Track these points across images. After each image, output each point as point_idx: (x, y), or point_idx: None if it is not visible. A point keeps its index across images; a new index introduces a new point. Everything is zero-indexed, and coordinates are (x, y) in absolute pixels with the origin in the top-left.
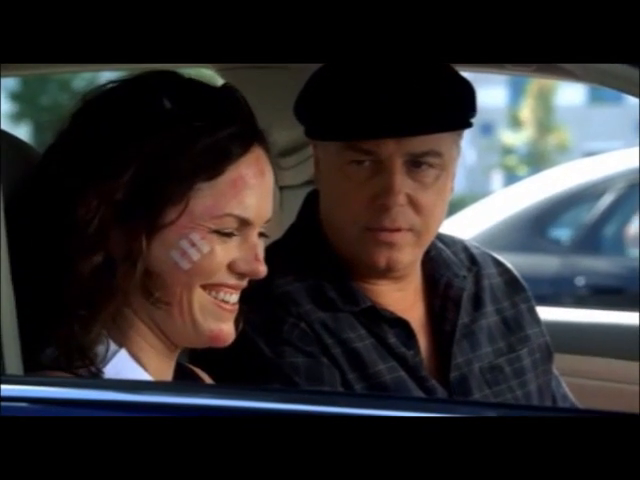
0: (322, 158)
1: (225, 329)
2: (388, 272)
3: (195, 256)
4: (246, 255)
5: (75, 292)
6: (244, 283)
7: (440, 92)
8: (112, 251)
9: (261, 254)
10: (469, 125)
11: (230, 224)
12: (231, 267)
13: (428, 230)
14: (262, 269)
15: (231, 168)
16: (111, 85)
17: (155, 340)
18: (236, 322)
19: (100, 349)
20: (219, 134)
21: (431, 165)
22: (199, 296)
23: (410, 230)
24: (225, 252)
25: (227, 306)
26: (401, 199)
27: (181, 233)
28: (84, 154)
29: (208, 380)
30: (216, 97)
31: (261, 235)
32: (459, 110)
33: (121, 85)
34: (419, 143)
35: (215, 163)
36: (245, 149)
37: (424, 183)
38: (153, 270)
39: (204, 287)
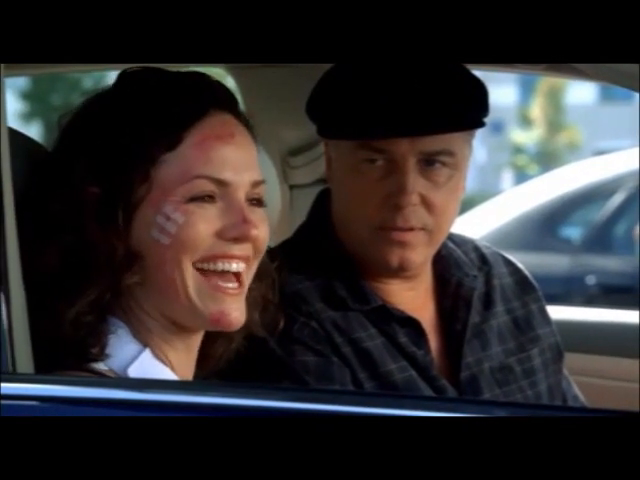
0: (334, 157)
1: (227, 311)
2: (400, 271)
3: (172, 229)
4: (233, 219)
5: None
6: (246, 251)
7: (453, 91)
8: (91, 237)
9: (251, 217)
10: (482, 124)
11: (203, 187)
12: (220, 234)
13: (440, 229)
14: (253, 232)
15: (191, 133)
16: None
17: (168, 334)
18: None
19: (117, 348)
20: (167, 106)
21: (444, 164)
22: (193, 276)
23: (423, 229)
24: (207, 220)
25: (228, 288)
26: (414, 198)
27: (155, 209)
28: (67, 147)
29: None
30: (164, 78)
31: (256, 202)
32: (472, 109)
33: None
34: (432, 142)
35: (170, 132)
36: (201, 114)
37: (437, 182)
38: (139, 253)
39: (199, 266)
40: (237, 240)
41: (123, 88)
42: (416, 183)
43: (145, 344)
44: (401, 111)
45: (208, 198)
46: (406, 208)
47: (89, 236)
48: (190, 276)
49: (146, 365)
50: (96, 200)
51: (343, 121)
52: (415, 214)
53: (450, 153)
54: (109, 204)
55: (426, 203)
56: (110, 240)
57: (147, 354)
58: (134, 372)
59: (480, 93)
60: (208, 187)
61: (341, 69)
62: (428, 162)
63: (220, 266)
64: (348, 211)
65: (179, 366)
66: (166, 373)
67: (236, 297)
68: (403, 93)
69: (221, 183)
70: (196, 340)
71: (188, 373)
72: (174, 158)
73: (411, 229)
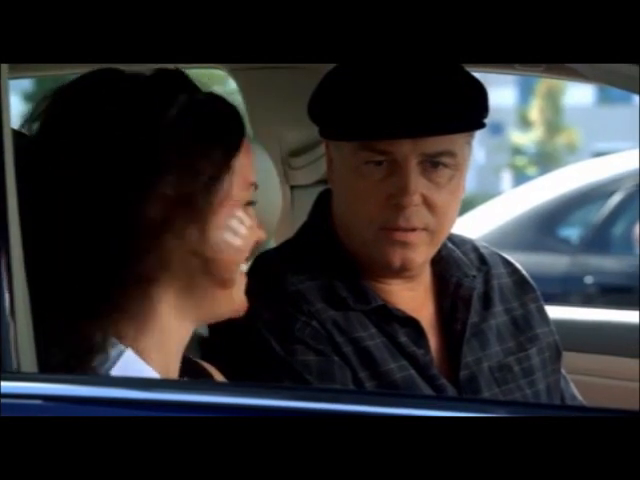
0: (336, 158)
1: (244, 298)
2: (402, 271)
3: (244, 231)
4: (255, 223)
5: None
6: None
7: (455, 93)
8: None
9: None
10: (483, 125)
11: (252, 193)
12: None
13: (442, 230)
14: (264, 235)
15: (244, 141)
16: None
17: (164, 335)
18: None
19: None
20: (236, 114)
21: (445, 165)
22: (240, 274)
23: (424, 229)
24: (252, 223)
25: (243, 276)
26: (416, 199)
27: (229, 213)
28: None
29: (218, 376)
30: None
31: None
32: (473, 110)
33: (134, 83)
34: (434, 143)
35: (237, 139)
36: (243, 121)
37: (438, 183)
38: (210, 255)
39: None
40: (256, 244)
41: (213, 99)
42: (418, 184)
43: (127, 345)
44: (404, 112)
45: (251, 203)
46: (408, 208)
47: (164, 239)
48: (239, 272)
49: (129, 365)
50: (174, 205)
51: (345, 122)
52: (417, 214)
53: (451, 154)
54: (189, 208)
55: (428, 203)
56: (189, 244)
57: (130, 354)
58: (117, 372)
59: (480, 94)
60: (253, 193)
61: (343, 70)
62: (430, 163)
63: (243, 267)
64: (349, 211)
65: (163, 366)
66: (150, 373)
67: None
68: (405, 94)
69: (255, 189)
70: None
71: (172, 372)
72: (237, 165)
73: (413, 229)
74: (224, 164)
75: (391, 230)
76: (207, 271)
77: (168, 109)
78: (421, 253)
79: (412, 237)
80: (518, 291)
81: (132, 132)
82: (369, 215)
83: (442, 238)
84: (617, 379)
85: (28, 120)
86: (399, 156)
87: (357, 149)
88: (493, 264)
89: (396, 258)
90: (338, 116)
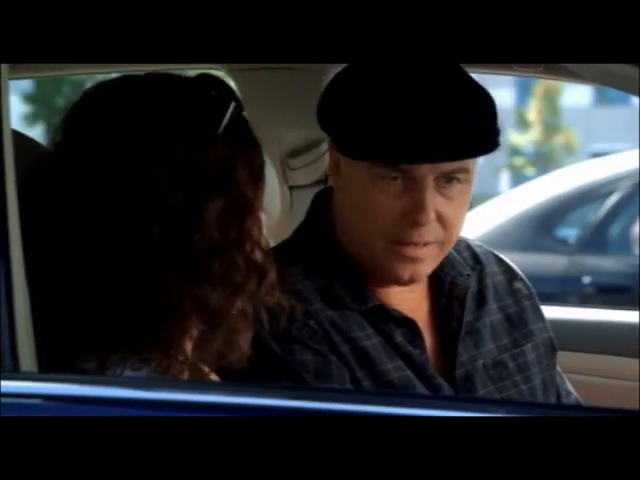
0: (346, 168)
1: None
2: (409, 284)
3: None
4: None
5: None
6: None
7: (477, 116)
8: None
9: None
10: (499, 145)
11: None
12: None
13: (450, 241)
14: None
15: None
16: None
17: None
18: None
19: None
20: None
21: (459, 181)
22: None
23: (435, 243)
24: None
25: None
26: (432, 215)
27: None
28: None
29: (212, 375)
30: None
31: None
32: (492, 132)
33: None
34: (452, 163)
35: (261, 158)
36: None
37: (451, 198)
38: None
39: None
40: None
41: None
42: (434, 201)
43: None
44: (428, 138)
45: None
46: (424, 226)
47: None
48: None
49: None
50: (220, 211)
51: (366, 143)
52: (430, 230)
53: (466, 170)
54: (234, 215)
55: (440, 218)
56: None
57: None
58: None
59: (495, 114)
60: None
61: (364, 91)
62: (445, 179)
63: None
64: (358, 221)
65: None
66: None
67: None
68: (429, 119)
69: None
70: None
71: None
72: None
73: (425, 244)
74: (257, 186)
75: (403, 245)
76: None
77: (219, 123)
78: (429, 265)
79: (423, 252)
80: (511, 289)
81: (182, 145)
82: (380, 229)
83: (449, 248)
84: (615, 378)
85: (54, 131)
86: (417, 175)
87: (374, 165)
88: (487, 263)
89: (405, 272)
90: (357, 135)
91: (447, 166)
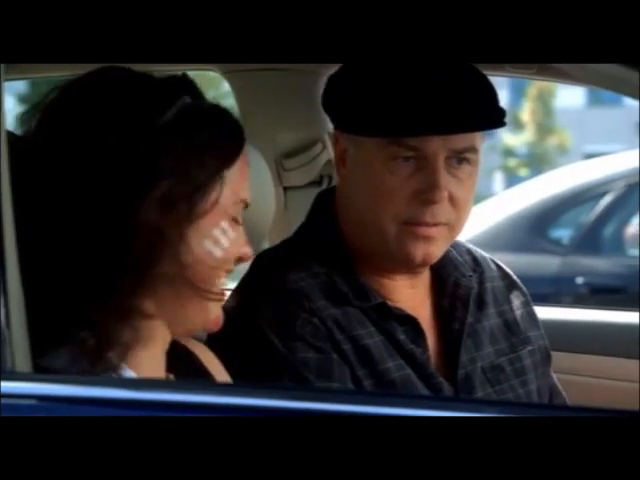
0: (355, 153)
1: (221, 314)
2: (422, 266)
3: (226, 243)
4: (241, 239)
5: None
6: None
7: (482, 91)
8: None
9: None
10: (505, 124)
11: (240, 210)
12: (240, 255)
13: (460, 224)
14: (250, 252)
15: (240, 156)
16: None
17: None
18: None
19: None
20: (235, 124)
21: (468, 161)
22: (219, 283)
23: (446, 224)
24: (238, 239)
25: (222, 293)
26: (445, 194)
27: (214, 222)
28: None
29: (205, 355)
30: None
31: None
32: (498, 108)
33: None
34: (462, 140)
35: (233, 150)
36: (244, 137)
37: (460, 179)
38: (189, 262)
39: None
40: (239, 260)
41: (215, 108)
42: (446, 179)
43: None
44: (438, 110)
45: (237, 220)
46: (438, 204)
47: (146, 229)
48: (218, 284)
49: None
50: (158, 208)
51: (377, 119)
52: (442, 210)
53: (475, 150)
54: (172, 212)
55: (451, 199)
56: (170, 249)
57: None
58: None
59: (497, 96)
60: (241, 210)
61: (373, 68)
62: (455, 159)
63: (222, 282)
64: (369, 208)
65: (141, 365)
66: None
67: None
68: (438, 91)
69: (245, 206)
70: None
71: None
72: (229, 176)
73: (437, 224)
74: (216, 172)
75: (416, 225)
76: (185, 279)
77: (166, 111)
78: (441, 247)
79: (435, 232)
80: (509, 295)
81: (126, 132)
82: (393, 211)
83: (459, 232)
84: (608, 379)
85: (26, 116)
86: (428, 152)
87: (385, 145)
88: (486, 267)
89: (419, 252)
90: (368, 113)
91: (458, 143)
